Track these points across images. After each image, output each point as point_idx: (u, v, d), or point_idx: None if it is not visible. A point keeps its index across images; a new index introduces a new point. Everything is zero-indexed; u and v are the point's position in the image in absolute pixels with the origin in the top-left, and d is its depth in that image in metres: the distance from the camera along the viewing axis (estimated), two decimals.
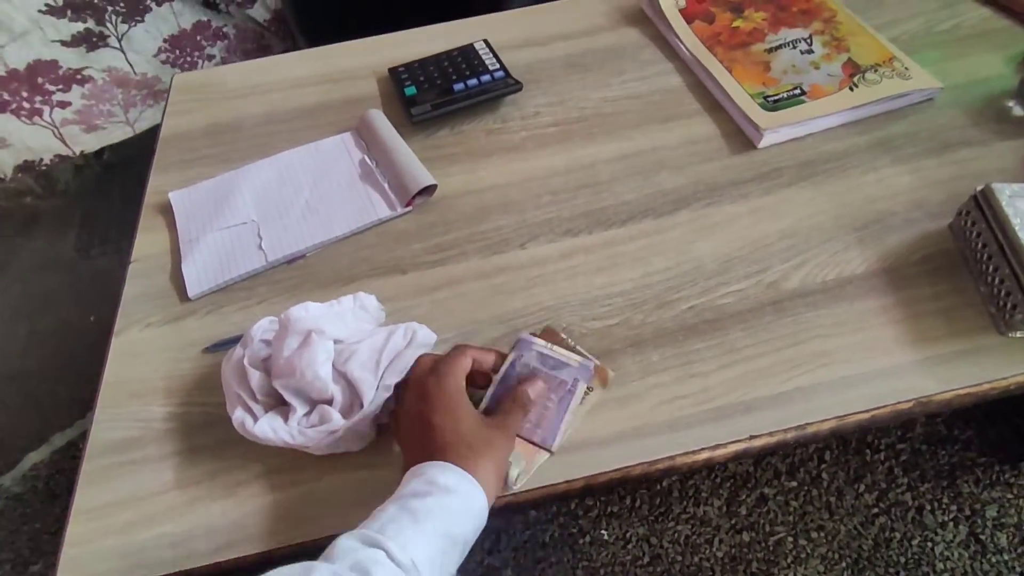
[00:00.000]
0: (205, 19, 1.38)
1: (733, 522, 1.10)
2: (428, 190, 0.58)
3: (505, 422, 0.40)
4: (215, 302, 0.54)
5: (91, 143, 1.48)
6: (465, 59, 0.68)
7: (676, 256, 0.52)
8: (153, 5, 1.31)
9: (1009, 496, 1.09)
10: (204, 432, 0.46)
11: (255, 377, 0.42)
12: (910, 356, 0.45)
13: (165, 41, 1.37)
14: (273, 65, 0.75)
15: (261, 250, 0.55)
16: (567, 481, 0.42)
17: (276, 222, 0.57)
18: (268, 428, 0.41)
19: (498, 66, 0.67)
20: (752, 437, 0.43)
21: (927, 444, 1.16)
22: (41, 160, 1.50)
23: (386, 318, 0.49)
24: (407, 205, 0.57)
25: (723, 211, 0.55)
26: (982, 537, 1.06)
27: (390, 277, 0.54)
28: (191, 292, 0.53)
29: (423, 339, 0.45)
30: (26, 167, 1.50)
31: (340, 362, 0.43)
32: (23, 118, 1.38)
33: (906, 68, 0.61)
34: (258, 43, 1.51)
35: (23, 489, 1.26)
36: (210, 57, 1.45)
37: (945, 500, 1.09)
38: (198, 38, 1.40)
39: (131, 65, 1.37)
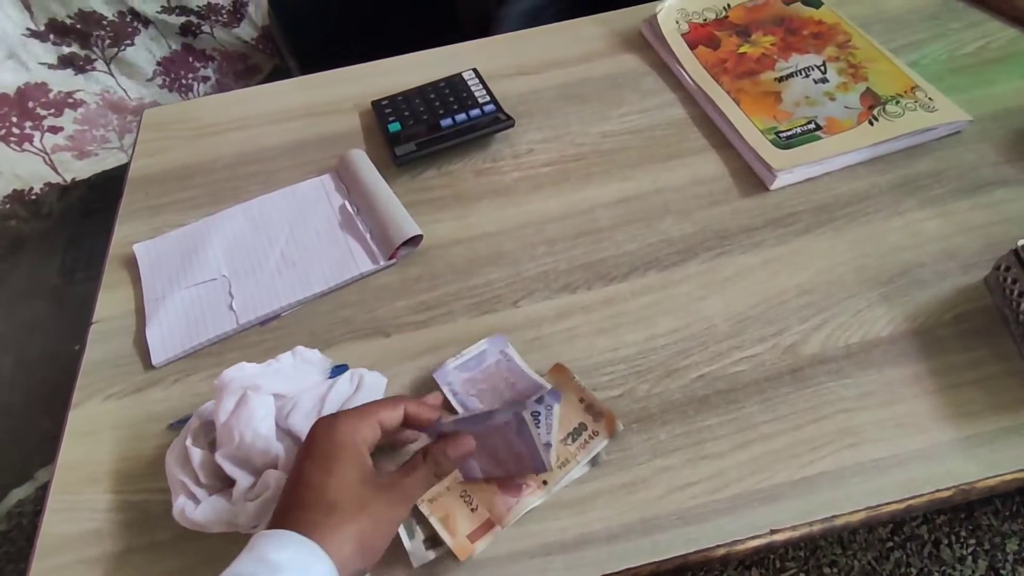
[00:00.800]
0: (189, 41, 1.34)
1: (742, 558, 1.06)
2: (413, 240, 0.53)
3: (400, 483, 0.34)
4: (182, 370, 0.49)
5: (83, 170, 1.43)
6: (453, 91, 0.64)
7: (684, 315, 0.48)
8: (141, 27, 1.26)
9: None
10: (165, 524, 0.41)
11: (196, 456, 0.39)
12: (948, 434, 0.40)
13: (159, 64, 1.33)
14: (250, 97, 0.70)
15: (232, 310, 0.51)
16: None
17: (249, 278, 0.53)
18: (210, 511, 0.38)
19: (488, 99, 0.62)
20: (773, 531, 0.38)
21: None
22: (31, 189, 1.45)
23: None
24: (390, 258, 0.53)
25: (734, 262, 0.50)
26: (1003, 572, 1.01)
27: (372, 340, 0.49)
28: (155, 359, 0.49)
29: (372, 384, 0.42)
30: (15, 196, 1.45)
31: (282, 417, 0.40)
32: (12, 145, 1.33)
33: (930, 99, 0.56)
34: (246, 63, 1.46)
35: (8, 527, 1.22)
36: (204, 79, 1.40)
37: (963, 533, 1.05)
38: (190, 59, 1.36)
39: (124, 90, 1.32)
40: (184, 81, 1.39)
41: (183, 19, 1.30)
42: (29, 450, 1.27)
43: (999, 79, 0.60)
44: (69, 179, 1.44)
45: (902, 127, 0.54)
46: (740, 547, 0.38)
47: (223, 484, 0.40)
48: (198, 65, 1.39)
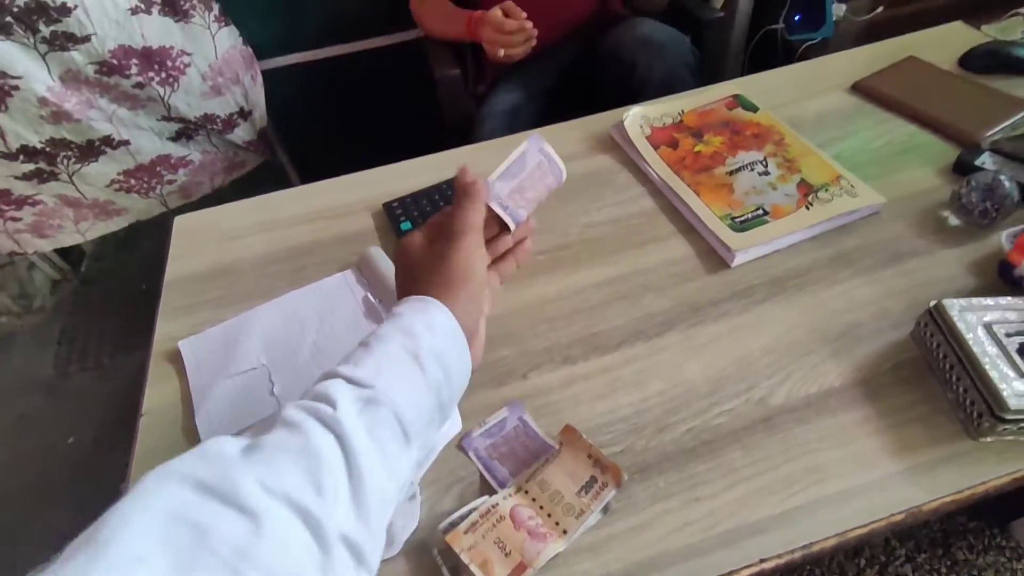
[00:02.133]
0: (167, 152, 1.43)
1: None
2: None
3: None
4: None
5: (43, 246, 1.48)
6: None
7: (669, 379, 0.56)
8: (107, 149, 1.35)
9: (1003, 559, 1.12)
10: None
11: None
12: (896, 466, 0.49)
13: (119, 174, 1.41)
14: (266, 203, 0.79)
15: (274, 395, 0.57)
16: None
17: (287, 366, 0.60)
18: None
19: None
20: (762, 560, 0.45)
21: None
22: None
23: None
24: None
25: (707, 331, 0.59)
26: None
27: None
28: None
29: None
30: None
31: None
32: None
33: (852, 186, 0.68)
34: (230, 162, 1.56)
35: None
36: (170, 182, 1.49)
37: (943, 569, 1.11)
38: (157, 168, 1.45)
39: (82, 193, 1.40)
40: (147, 185, 1.47)
41: (179, 126, 1.41)
42: (21, 547, 1.24)
43: (904, 167, 0.73)
44: (31, 251, 1.48)
45: (832, 210, 0.66)
46: None
47: None
48: (165, 173, 1.47)
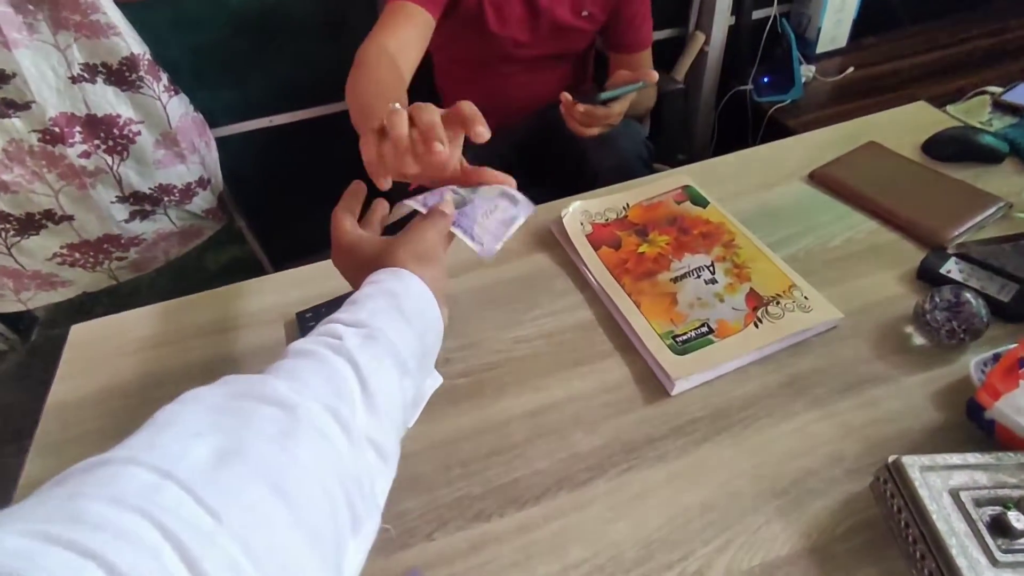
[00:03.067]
0: (116, 233, 1.37)
1: None
2: None
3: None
4: None
5: None
6: None
7: (594, 543, 0.48)
8: (50, 224, 1.30)
9: None
10: None
11: None
12: None
13: (62, 248, 1.36)
14: (174, 310, 0.72)
15: None
16: None
17: None
18: None
19: None
20: None
21: None
22: None
23: None
24: None
25: (641, 478, 0.52)
26: None
27: None
28: None
29: None
30: None
31: None
32: None
33: (806, 298, 0.62)
34: (185, 233, 1.50)
35: None
36: (120, 258, 1.43)
37: None
38: (105, 246, 1.39)
39: (21, 265, 1.34)
40: (93, 260, 1.41)
41: (135, 207, 1.36)
42: None
43: (864, 271, 0.67)
44: None
45: (784, 329, 0.60)
46: None
47: None
48: (113, 250, 1.41)
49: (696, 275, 0.67)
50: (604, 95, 0.81)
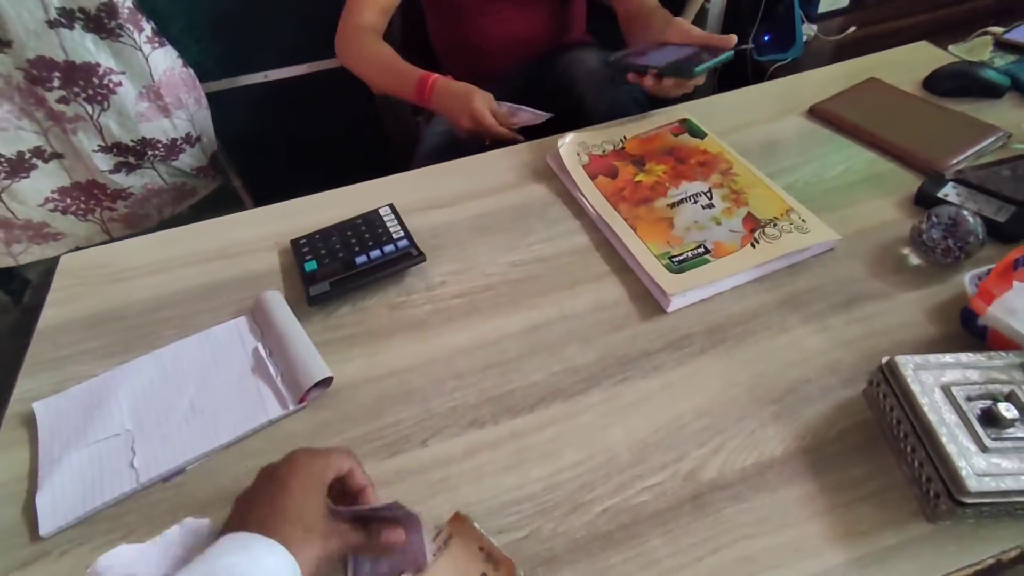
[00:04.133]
0: (102, 183, 1.36)
1: None
2: (324, 382, 0.54)
3: (346, 531, 0.39)
4: (73, 538, 0.47)
5: None
6: (369, 227, 0.67)
7: (588, 446, 0.49)
8: (39, 162, 1.28)
9: None
10: None
11: None
12: (840, 556, 0.41)
13: (53, 192, 1.34)
14: (172, 239, 0.72)
15: (133, 468, 0.49)
16: None
17: (154, 431, 0.52)
18: None
19: (402, 234, 0.65)
20: None
21: None
22: None
23: None
24: (301, 401, 0.53)
25: (635, 388, 0.52)
26: None
27: None
28: (43, 529, 0.46)
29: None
30: None
31: None
32: None
33: (803, 220, 0.62)
34: (178, 191, 1.49)
35: None
36: (110, 208, 1.42)
37: None
38: (94, 191, 1.38)
39: (12, 212, 1.33)
40: (84, 206, 1.40)
41: (119, 159, 1.34)
42: None
43: (862, 199, 0.66)
44: None
45: (780, 249, 0.59)
46: None
47: None
48: (103, 198, 1.40)
49: (693, 200, 0.66)
50: (698, 68, 0.73)
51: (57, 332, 0.62)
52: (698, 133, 0.75)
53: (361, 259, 0.63)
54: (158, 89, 1.27)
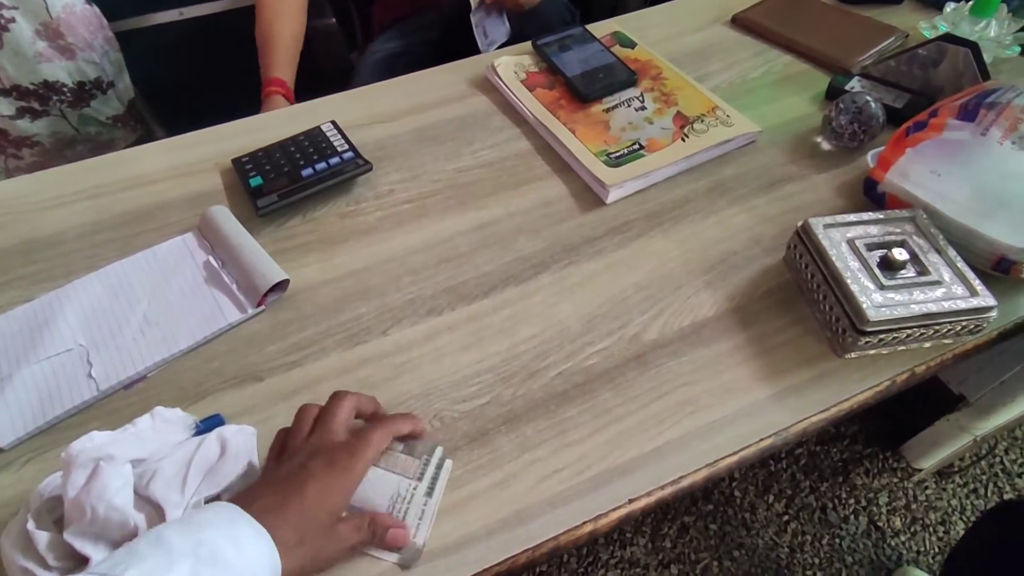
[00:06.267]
0: (3, 128, 1.26)
1: (660, 557, 1.11)
2: (280, 286, 0.55)
3: (345, 534, 0.38)
4: (36, 448, 0.47)
5: None
6: (312, 143, 0.66)
7: (541, 322, 0.52)
8: None
9: (895, 480, 1.18)
10: None
11: (41, 539, 0.37)
12: (766, 391, 0.47)
13: None
14: (98, 167, 0.69)
15: (91, 378, 0.49)
16: None
17: (108, 344, 0.52)
18: None
19: (347, 147, 0.66)
20: (631, 500, 0.42)
21: (820, 445, 1.23)
22: None
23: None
24: (259, 305, 0.54)
25: (581, 270, 0.56)
26: (879, 524, 1.13)
27: (245, 387, 0.49)
28: (3, 441, 0.46)
29: (240, 444, 0.42)
30: None
31: (142, 485, 0.39)
32: None
33: (728, 116, 0.66)
34: (94, 142, 1.39)
35: None
36: (16, 157, 1.32)
37: (843, 495, 1.16)
38: None
39: None
40: None
41: (21, 102, 1.24)
42: None
43: (780, 96, 0.72)
44: None
45: (708, 140, 0.64)
46: (604, 520, 0.42)
47: (75, 564, 0.38)
48: (7, 147, 1.30)
49: (627, 105, 0.69)
50: None
51: None
52: (628, 44, 0.78)
53: (307, 172, 0.63)
54: (57, 27, 1.17)
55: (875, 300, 0.45)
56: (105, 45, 1.28)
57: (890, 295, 0.46)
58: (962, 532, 1.11)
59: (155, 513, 0.38)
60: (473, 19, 0.91)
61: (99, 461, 0.38)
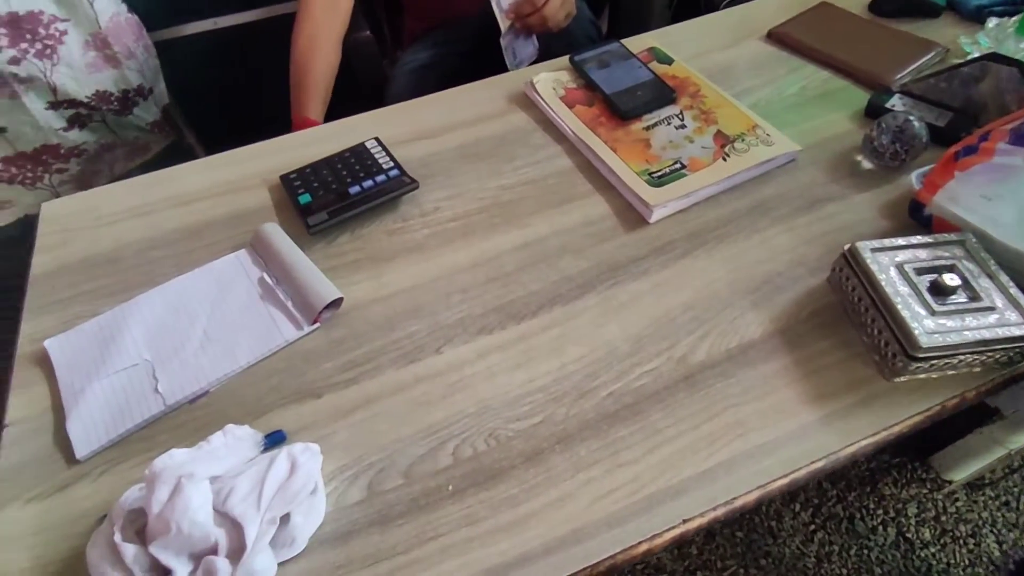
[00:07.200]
0: (55, 142, 1.29)
1: (686, 563, 1.11)
2: (334, 303, 0.56)
3: None
4: (109, 459, 0.49)
5: None
6: (358, 160, 0.68)
7: (589, 342, 0.53)
8: None
9: (924, 491, 1.17)
10: None
11: (129, 553, 0.39)
12: (814, 414, 0.48)
13: None
14: (153, 183, 0.71)
15: (158, 393, 0.51)
16: None
17: (172, 359, 0.54)
18: None
19: (392, 164, 0.67)
20: (685, 521, 0.43)
21: None
22: None
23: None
24: (314, 322, 0.55)
25: (627, 290, 0.57)
26: (908, 535, 1.13)
27: (304, 403, 0.51)
28: (79, 453, 0.48)
29: (307, 463, 0.44)
30: None
31: (219, 502, 0.41)
32: None
33: (768, 135, 0.67)
34: (131, 147, 1.43)
35: None
36: (60, 171, 1.35)
37: (871, 505, 1.16)
38: (44, 157, 1.31)
39: None
40: (32, 175, 1.34)
41: (71, 111, 1.28)
42: None
43: (818, 113, 0.72)
44: None
45: (749, 160, 0.64)
46: (659, 540, 0.43)
47: (158, 574, 0.40)
48: (52, 162, 1.34)
49: (667, 123, 0.70)
50: None
51: (52, 277, 0.62)
52: (665, 59, 0.79)
53: (355, 189, 0.65)
54: (105, 37, 1.21)
55: (927, 326, 0.46)
56: (145, 53, 1.32)
57: (942, 321, 0.46)
58: (993, 545, 1.11)
59: (233, 529, 0.40)
60: (503, 42, 0.92)
61: (180, 478, 0.40)
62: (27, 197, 1.38)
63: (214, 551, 0.39)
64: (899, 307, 0.47)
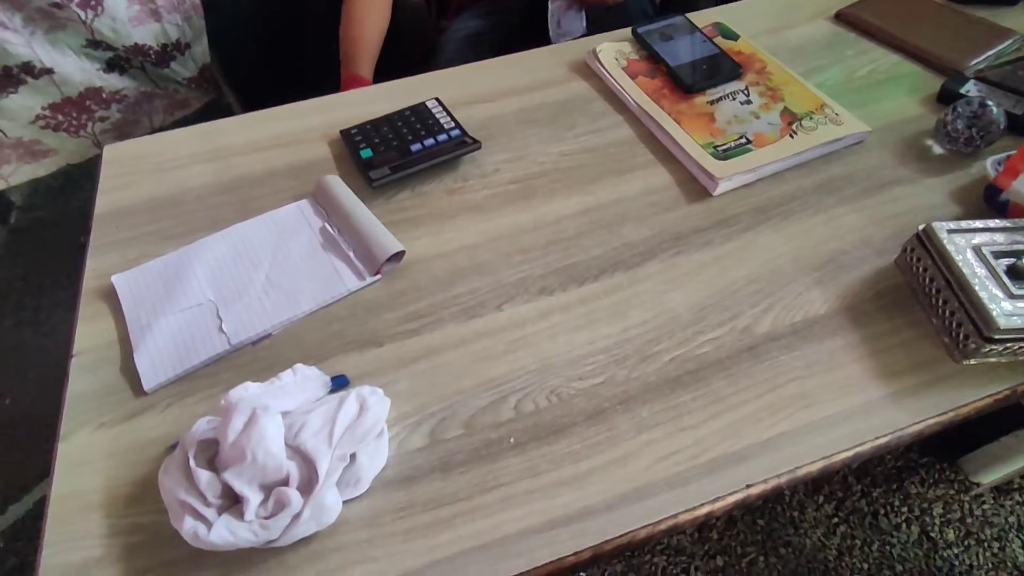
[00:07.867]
0: (98, 85, 1.30)
1: (707, 547, 1.12)
2: (396, 256, 0.56)
3: None
4: (175, 393, 0.50)
5: None
6: (419, 119, 0.68)
7: (651, 308, 0.53)
8: (29, 79, 1.23)
9: (951, 492, 1.17)
10: (172, 544, 0.42)
11: (203, 477, 0.39)
12: (881, 391, 0.47)
13: (44, 108, 1.29)
14: (211, 131, 0.71)
15: (223, 332, 0.52)
16: (575, 553, 0.41)
17: (236, 302, 0.54)
18: (226, 532, 0.39)
19: (453, 124, 0.67)
20: (749, 486, 0.43)
21: None
22: None
23: None
24: (376, 273, 0.56)
25: (690, 260, 0.56)
26: (932, 535, 1.12)
27: (366, 351, 0.52)
28: (147, 385, 0.49)
29: (376, 406, 0.44)
30: None
31: (291, 436, 0.41)
32: None
33: (836, 114, 0.66)
34: (171, 100, 1.44)
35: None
36: (102, 119, 1.37)
37: (896, 502, 1.16)
38: (87, 103, 1.33)
39: (2, 131, 1.28)
40: (76, 122, 1.36)
41: (109, 54, 1.29)
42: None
43: (887, 96, 0.70)
44: None
45: (817, 139, 0.63)
46: (720, 503, 0.43)
47: (229, 501, 0.41)
48: (96, 108, 1.35)
49: (732, 98, 0.69)
50: None
51: (116, 217, 0.63)
52: (731, 35, 0.77)
53: (416, 147, 0.64)
54: None
55: (1005, 308, 0.45)
56: (191, 9, 1.32)
57: (1020, 304, 0.46)
58: (1018, 550, 1.10)
59: (304, 463, 0.41)
60: (551, 6, 0.90)
61: (255, 409, 0.40)
62: (69, 144, 1.39)
63: (285, 483, 0.40)
64: (976, 288, 0.46)
